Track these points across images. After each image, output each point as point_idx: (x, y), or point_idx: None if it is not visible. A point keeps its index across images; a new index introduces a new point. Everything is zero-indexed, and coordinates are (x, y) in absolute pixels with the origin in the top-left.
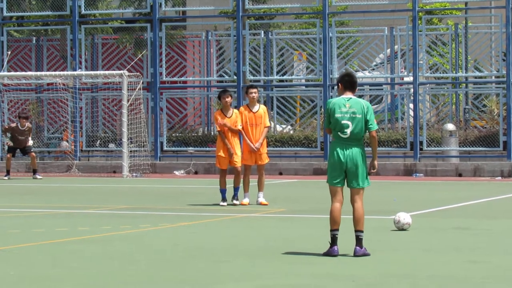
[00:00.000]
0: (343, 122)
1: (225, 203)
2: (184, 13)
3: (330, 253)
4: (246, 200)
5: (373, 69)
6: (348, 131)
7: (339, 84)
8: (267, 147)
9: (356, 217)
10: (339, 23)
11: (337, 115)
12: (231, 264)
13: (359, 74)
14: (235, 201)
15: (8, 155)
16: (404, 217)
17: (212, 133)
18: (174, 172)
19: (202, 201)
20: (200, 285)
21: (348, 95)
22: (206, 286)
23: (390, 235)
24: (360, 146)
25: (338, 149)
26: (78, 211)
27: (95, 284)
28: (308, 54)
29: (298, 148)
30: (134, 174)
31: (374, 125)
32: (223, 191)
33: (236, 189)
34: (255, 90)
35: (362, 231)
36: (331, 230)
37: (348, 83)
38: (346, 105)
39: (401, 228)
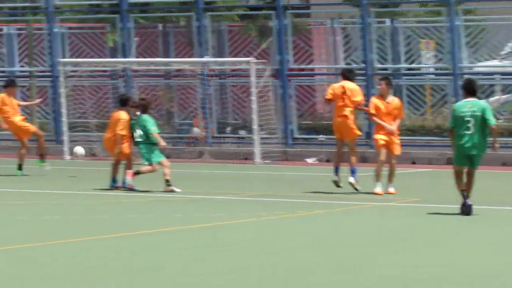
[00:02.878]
0: (466, 119)
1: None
2: (308, 1)
3: (463, 206)
4: (379, 190)
5: (504, 58)
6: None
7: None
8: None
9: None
10: (465, 11)
11: (461, 114)
12: (377, 251)
13: (488, 63)
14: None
15: None
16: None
17: None
18: (305, 159)
19: (335, 189)
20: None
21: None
22: (357, 269)
23: None
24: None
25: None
26: (212, 197)
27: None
28: (436, 42)
29: (430, 137)
30: (266, 161)
31: (491, 121)
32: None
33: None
34: (384, 81)
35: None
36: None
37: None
38: (468, 105)
39: None
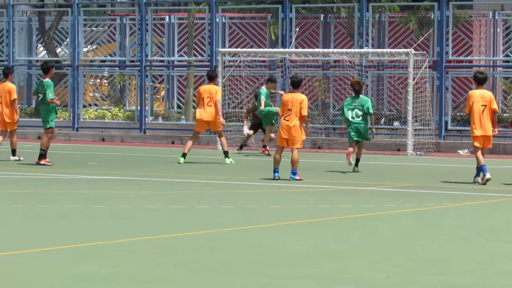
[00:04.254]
0: None
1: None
2: None
3: None
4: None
5: None
6: None
7: None
8: None
9: None
10: None
11: None
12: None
13: None
14: None
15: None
16: None
17: (498, 113)
18: (458, 151)
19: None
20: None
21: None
22: (485, 265)
23: None
24: None
25: None
26: (363, 188)
27: (374, 259)
28: None
29: None
30: (418, 152)
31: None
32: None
33: None
34: None
35: None
36: None
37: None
38: None
39: None
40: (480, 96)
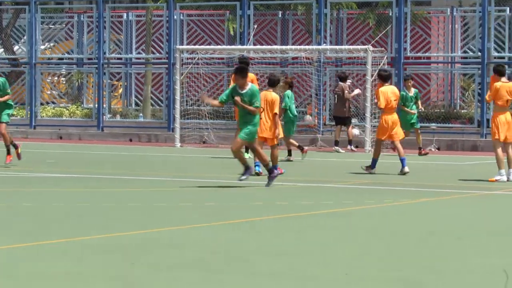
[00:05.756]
0: None
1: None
2: None
3: None
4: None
5: None
6: None
7: None
8: None
9: None
10: None
11: None
12: (471, 241)
13: None
14: None
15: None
16: None
17: (456, 109)
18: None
19: (449, 177)
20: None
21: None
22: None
23: None
24: None
25: None
26: (321, 185)
27: (332, 255)
28: None
29: None
30: (372, 148)
31: None
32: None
33: None
34: None
35: None
36: None
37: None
38: None
39: None
40: (391, 92)
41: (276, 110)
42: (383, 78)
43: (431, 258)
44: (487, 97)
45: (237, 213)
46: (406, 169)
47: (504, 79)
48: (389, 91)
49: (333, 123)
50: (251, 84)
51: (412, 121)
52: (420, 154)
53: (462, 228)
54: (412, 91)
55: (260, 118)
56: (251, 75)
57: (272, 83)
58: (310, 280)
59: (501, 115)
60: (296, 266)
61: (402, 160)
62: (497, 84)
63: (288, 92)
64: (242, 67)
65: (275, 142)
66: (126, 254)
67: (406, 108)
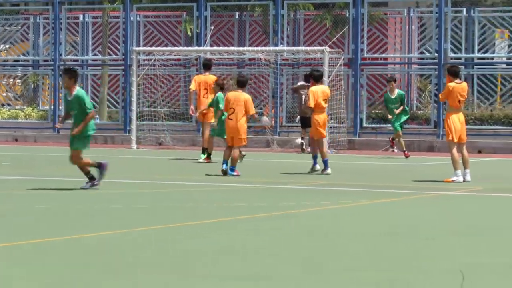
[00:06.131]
0: None
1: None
2: None
3: None
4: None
5: None
6: None
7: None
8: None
9: None
10: None
11: None
12: (436, 242)
13: None
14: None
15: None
16: None
17: (412, 110)
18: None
19: (406, 178)
20: (399, 262)
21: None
22: (405, 263)
23: None
24: None
25: None
26: (279, 186)
27: (289, 256)
28: (510, 32)
29: (498, 127)
30: (329, 150)
31: None
32: None
33: None
34: None
35: None
36: None
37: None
38: None
39: None
40: (321, 92)
41: (252, 111)
42: (315, 78)
43: (392, 258)
44: (440, 95)
45: (196, 215)
46: (328, 170)
47: (458, 80)
48: (319, 91)
49: (290, 124)
50: (79, 88)
51: (397, 123)
52: (406, 156)
53: (426, 228)
54: (395, 93)
55: (229, 119)
56: (211, 77)
57: (242, 83)
58: (263, 279)
59: (454, 115)
60: (253, 266)
61: (324, 162)
62: (451, 85)
63: (220, 94)
64: (69, 69)
65: (243, 143)
66: (94, 255)
67: (389, 111)
